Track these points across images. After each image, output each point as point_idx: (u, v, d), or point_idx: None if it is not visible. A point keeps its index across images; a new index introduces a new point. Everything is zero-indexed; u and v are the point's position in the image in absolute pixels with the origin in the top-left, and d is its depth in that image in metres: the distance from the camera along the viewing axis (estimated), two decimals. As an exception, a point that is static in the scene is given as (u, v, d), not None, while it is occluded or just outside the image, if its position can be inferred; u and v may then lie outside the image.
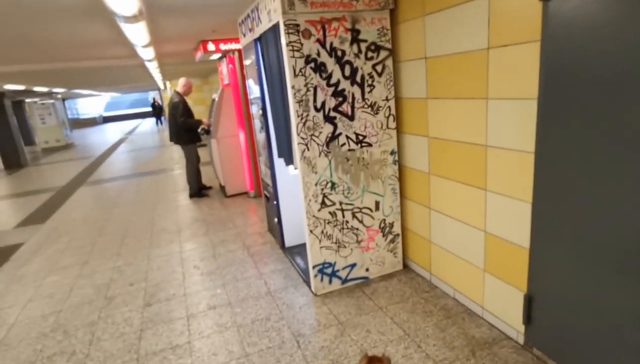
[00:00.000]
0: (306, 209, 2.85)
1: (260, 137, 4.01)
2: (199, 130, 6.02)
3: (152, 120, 26.90)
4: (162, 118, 23.87)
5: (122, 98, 38.35)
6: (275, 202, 3.79)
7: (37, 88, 13.03)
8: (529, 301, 2.13)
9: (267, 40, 3.08)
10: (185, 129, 5.80)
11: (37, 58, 5.91)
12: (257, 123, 4.13)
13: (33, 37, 4.17)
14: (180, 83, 5.89)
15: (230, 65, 5.58)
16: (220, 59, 6.30)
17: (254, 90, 3.97)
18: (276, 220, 3.86)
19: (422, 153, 2.84)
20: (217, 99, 5.94)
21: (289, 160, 3.04)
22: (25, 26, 3.63)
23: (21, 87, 11.50)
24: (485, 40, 2.12)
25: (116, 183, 8.31)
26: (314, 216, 2.88)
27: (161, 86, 20.82)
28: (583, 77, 1.67)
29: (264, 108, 3.60)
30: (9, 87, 10.70)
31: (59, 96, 17.62)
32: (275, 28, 2.80)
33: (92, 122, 31.22)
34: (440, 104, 2.57)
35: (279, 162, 3.54)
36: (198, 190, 6.34)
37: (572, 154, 1.77)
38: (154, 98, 25.19)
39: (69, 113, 30.21)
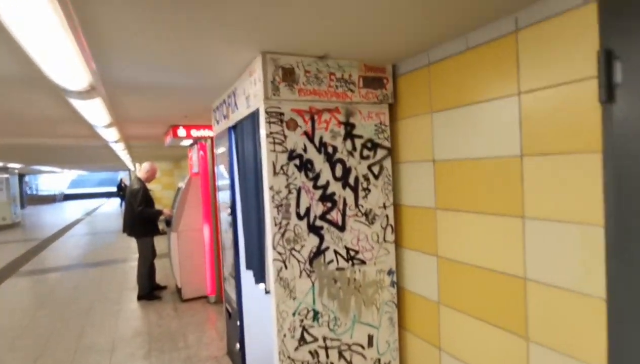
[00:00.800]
0: (279, 347, 2.11)
1: (226, 237, 3.35)
2: (162, 219, 5.31)
3: (117, 200, 25.68)
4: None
5: (88, 177, 37.17)
6: (238, 322, 3.00)
7: (-11, 163, 12.08)
8: None
9: (243, 130, 2.62)
10: (142, 220, 5.07)
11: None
12: (224, 221, 3.50)
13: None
14: (144, 169, 5.31)
15: (201, 153, 5.11)
16: (191, 145, 5.86)
17: (222, 184, 3.42)
18: (238, 345, 3.03)
19: (429, 275, 2.25)
20: (183, 188, 5.34)
21: (260, 278, 2.37)
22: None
23: (-30, 161, 10.57)
24: (517, 146, 1.69)
25: (55, 274, 7.15)
26: (289, 357, 2.13)
27: (131, 167, 20.18)
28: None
29: (232, 207, 3.00)
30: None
31: (15, 171, 16.54)
32: (253, 116, 2.35)
33: (50, 199, 29.47)
34: (453, 217, 2.07)
35: (247, 274, 2.84)
36: (149, 291, 5.38)
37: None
38: (121, 179, 24.30)
39: (28, 188, 28.58)
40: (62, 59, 1.99)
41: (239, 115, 2.65)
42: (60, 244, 10.67)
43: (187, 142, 5.65)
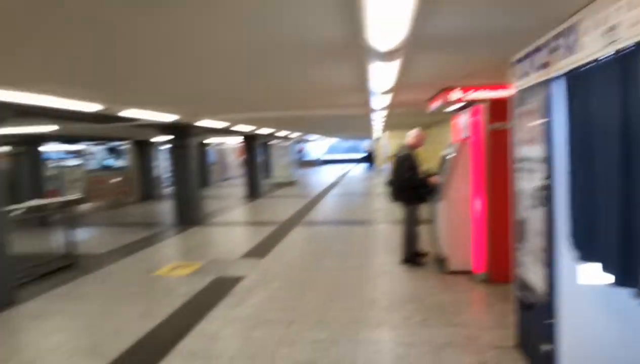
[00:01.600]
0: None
1: (532, 216, 2.78)
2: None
3: (362, 165, 28.57)
4: (374, 164, 25.16)
5: (339, 144, 42.76)
6: (548, 320, 2.46)
7: (280, 133, 15.30)
8: None
9: (590, 78, 1.95)
10: (409, 187, 5.08)
11: (285, 105, 6.42)
12: (524, 194, 2.93)
13: (284, 83, 4.29)
14: (411, 135, 5.27)
15: (475, 117, 4.60)
16: (458, 109, 5.43)
17: (525, 151, 2.84)
18: (547, 347, 2.51)
19: None
20: (451, 156, 5.02)
21: (627, 278, 1.72)
22: (274, 71, 3.64)
23: (270, 131, 13.63)
24: None
25: (326, 228, 8.37)
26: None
27: (374, 136, 21.87)
28: None
29: (549, 180, 2.41)
30: (261, 131, 12.77)
31: (295, 139, 20.54)
32: (621, 56, 1.66)
33: (313, 163, 35.61)
34: None
35: (570, 264, 2.24)
36: (413, 257, 5.45)
37: None
38: (369, 146, 26.81)
39: (304, 155, 35.93)
40: (391, 17, 1.88)
41: (580, 59, 2.00)
42: (325, 202, 12.55)
43: (454, 107, 5.27)
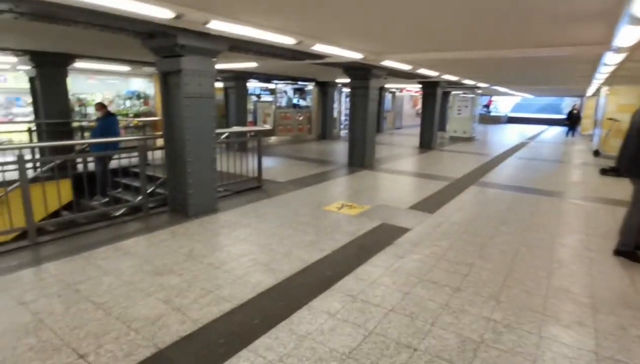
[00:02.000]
0: None
1: None
2: None
3: (559, 128, 23.83)
4: (577, 128, 20.65)
5: (531, 101, 36.55)
6: None
7: (465, 81, 13.75)
8: None
9: None
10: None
11: (485, 42, 5.45)
12: None
13: (496, 5, 3.48)
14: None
15: None
16: None
17: None
18: None
19: None
20: None
21: None
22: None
23: (454, 78, 12.35)
24: None
25: (507, 192, 7.22)
26: None
27: (589, 92, 17.56)
28: None
29: None
30: (446, 77, 11.64)
31: (480, 91, 18.33)
32: None
33: (496, 120, 31.63)
34: None
35: None
36: (633, 249, 4.15)
37: None
38: (574, 106, 22.02)
39: (492, 109, 32.57)
40: None
41: None
42: (508, 164, 10.90)
43: None
